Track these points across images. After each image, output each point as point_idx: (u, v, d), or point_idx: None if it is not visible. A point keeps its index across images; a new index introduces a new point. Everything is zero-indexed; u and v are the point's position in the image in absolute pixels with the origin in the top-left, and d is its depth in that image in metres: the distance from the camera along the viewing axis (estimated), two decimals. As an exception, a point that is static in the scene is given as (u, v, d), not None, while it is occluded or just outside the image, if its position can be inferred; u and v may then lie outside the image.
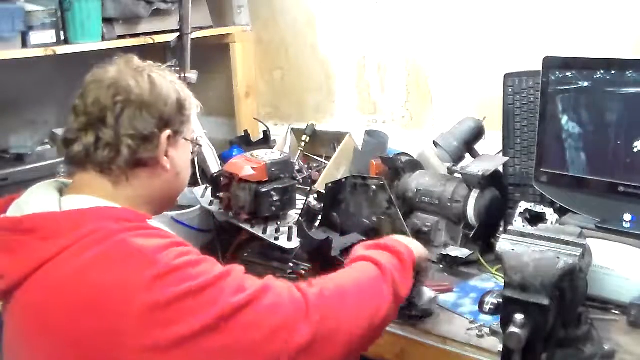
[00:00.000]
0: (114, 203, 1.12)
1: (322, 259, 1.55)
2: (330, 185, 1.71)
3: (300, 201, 1.81)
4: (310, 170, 2.26)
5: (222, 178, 1.77)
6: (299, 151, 2.38)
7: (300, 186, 1.99)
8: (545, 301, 1.04)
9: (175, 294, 0.95)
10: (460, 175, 1.70)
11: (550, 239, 1.12)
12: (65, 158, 1.18)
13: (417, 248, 1.29)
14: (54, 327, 0.99)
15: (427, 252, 1.34)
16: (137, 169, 1.15)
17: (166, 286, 0.95)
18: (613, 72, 1.50)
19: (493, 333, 1.23)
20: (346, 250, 1.60)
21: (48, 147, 2.18)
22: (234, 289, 0.99)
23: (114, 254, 0.99)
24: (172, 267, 0.97)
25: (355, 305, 1.09)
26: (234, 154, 2.23)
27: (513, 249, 1.10)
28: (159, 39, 2.29)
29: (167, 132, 1.16)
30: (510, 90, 1.77)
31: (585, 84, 1.55)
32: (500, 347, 1.10)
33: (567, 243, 1.11)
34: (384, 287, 1.14)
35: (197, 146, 1.31)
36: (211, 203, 1.82)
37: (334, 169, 2.13)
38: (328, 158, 2.24)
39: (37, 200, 1.10)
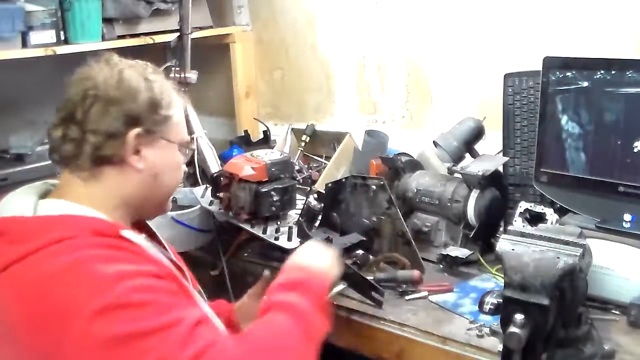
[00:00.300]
0: (90, 208, 1.10)
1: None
2: (330, 185, 1.71)
3: (300, 201, 1.81)
4: (310, 170, 2.26)
5: (222, 178, 1.77)
6: (299, 151, 2.38)
7: (300, 186, 1.99)
8: (545, 301, 1.04)
9: (113, 334, 0.93)
10: (460, 175, 1.70)
11: (550, 239, 1.12)
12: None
13: (327, 269, 1.27)
14: (8, 331, 0.99)
15: (338, 265, 1.33)
16: (103, 167, 1.13)
17: (110, 322, 0.94)
18: (613, 72, 1.50)
19: (493, 333, 1.23)
20: (346, 250, 1.60)
21: (48, 147, 2.18)
22: (178, 342, 0.96)
23: (72, 273, 0.97)
24: (122, 303, 0.95)
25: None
26: (234, 154, 2.23)
27: (513, 249, 1.10)
28: (159, 39, 2.29)
29: (136, 130, 1.13)
30: (510, 90, 1.77)
31: (585, 84, 1.55)
32: (500, 347, 1.10)
33: (567, 243, 1.11)
34: (308, 342, 1.12)
35: (188, 150, 1.26)
36: (211, 203, 1.82)
37: (334, 169, 2.13)
38: (328, 158, 2.24)
39: (15, 204, 1.10)
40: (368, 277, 1.50)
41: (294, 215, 1.79)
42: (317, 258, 1.28)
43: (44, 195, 1.15)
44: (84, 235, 1.03)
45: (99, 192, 1.13)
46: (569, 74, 1.57)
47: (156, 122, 1.16)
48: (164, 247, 1.29)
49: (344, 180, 1.73)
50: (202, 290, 1.33)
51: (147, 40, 2.27)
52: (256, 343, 1.06)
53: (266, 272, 1.43)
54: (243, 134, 2.55)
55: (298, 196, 1.83)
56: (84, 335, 0.93)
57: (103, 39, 2.16)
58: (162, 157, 1.19)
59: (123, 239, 1.08)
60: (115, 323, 0.94)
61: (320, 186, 1.96)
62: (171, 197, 1.29)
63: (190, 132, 2.17)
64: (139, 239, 1.11)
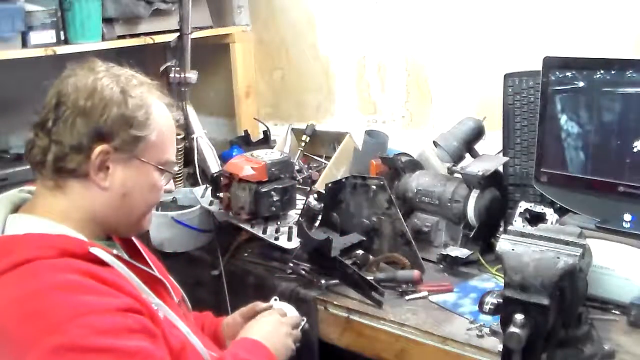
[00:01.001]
0: (58, 222, 1.07)
1: (322, 259, 1.55)
2: (330, 185, 1.71)
3: (300, 201, 1.81)
4: (310, 170, 2.26)
5: (222, 178, 1.77)
6: (299, 151, 2.38)
7: (300, 186, 1.99)
8: (545, 301, 1.04)
9: None
10: (460, 175, 1.70)
11: (550, 239, 1.12)
12: None
13: (281, 352, 1.28)
14: None
15: (291, 337, 1.34)
16: (68, 179, 1.08)
17: None
18: (612, 72, 1.50)
19: (493, 333, 1.23)
20: (346, 250, 1.60)
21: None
22: None
23: (33, 303, 0.94)
24: (78, 345, 0.91)
25: None
26: (234, 154, 2.23)
27: (513, 249, 1.10)
28: (159, 39, 2.29)
29: (103, 146, 1.07)
30: (510, 90, 1.77)
31: (585, 84, 1.55)
32: (500, 347, 1.10)
33: (567, 243, 1.11)
34: None
35: (168, 172, 1.18)
36: (211, 203, 1.82)
37: (334, 169, 2.13)
38: (328, 158, 2.24)
39: None
40: (368, 277, 1.50)
41: (294, 215, 1.79)
42: (269, 334, 1.29)
43: (18, 206, 1.12)
44: (49, 255, 0.99)
45: (65, 204, 1.09)
46: (568, 74, 1.57)
47: (129, 141, 1.09)
48: (142, 257, 1.25)
49: (344, 180, 1.73)
50: (185, 298, 1.30)
51: (147, 40, 2.27)
52: None
53: (268, 304, 1.42)
54: (243, 134, 2.55)
55: (298, 196, 1.83)
56: None
57: (103, 39, 2.16)
58: (133, 177, 1.12)
59: (92, 259, 1.03)
60: None
61: (320, 186, 1.96)
62: (149, 215, 1.21)
63: (190, 132, 2.18)
64: (109, 257, 1.06)
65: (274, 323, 1.33)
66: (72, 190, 1.09)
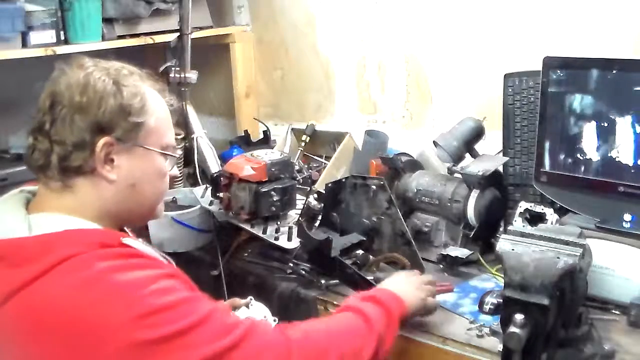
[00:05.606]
0: (82, 219, 1.07)
1: (322, 259, 1.55)
2: (330, 185, 1.71)
3: (300, 201, 1.81)
4: (310, 170, 2.26)
5: (222, 178, 1.77)
6: (299, 151, 2.38)
7: (300, 186, 1.99)
8: (545, 301, 1.04)
9: (157, 337, 0.93)
10: (460, 175, 1.70)
11: (550, 239, 1.12)
12: None
13: (410, 300, 1.29)
14: (31, 356, 0.96)
15: (424, 300, 1.33)
16: (74, 178, 1.08)
17: (148, 327, 0.93)
18: (613, 72, 1.50)
19: (493, 333, 1.23)
20: (346, 251, 1.60)
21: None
22: (219, 331, 0.98)
23: (94, 290, 0.95)
24: (155, 308, 0.94)
25: (337, 349, 1.10)
26: (234, 154, 2.23)
27: (513, 249, 1.10)
28: (159, 39, 2.29)
29: (105, 139, 1.06)
30: (510, 90, 1.77)
31: (585, 84, 1.55)
32: (500, 347, 1.10)
33: (567, 243, 1.11)
34: (367, 336, 1.16)
35: (170, 156, 1.18)
36: (211, 203, 1.82)
37: (334, 169, 2.13)
38: (328, 158, 2.24)
39: (4, 222, 1.05)
40: (368, 277, 1.50)
41: (294, 215, 1.79)
42: (400, 283, 1.33)
43: (26, 206, 1.11)
44: (91, 249, 1.00)
45: (75, 203, 1.08)
46: (568, 74, 1.57)
47: (129, 129, 1.09)
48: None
49: (344, 180, 1.73)
50: None
51: (147, 40, 2.27)
52: (308, 328, 1.13)
53: (245, 301, 1.41)
54: (243, 134, 2.55)
55: (298, 196, 1.83)
56: (120, 347, 0.92)
57: (103, 39, 2.16)
58: (139, 165, 1.12)
59: (127, 247, 1.05)
60: (151, 329, 0.93)
61: (320, 186, 1.96)
62: (161, 203, 1.23)
63: (190, 132, 2.18)
64: (140, 244, 1.09)
65: (404, 275, 1.39)
66: (80, 188, 1.08)
